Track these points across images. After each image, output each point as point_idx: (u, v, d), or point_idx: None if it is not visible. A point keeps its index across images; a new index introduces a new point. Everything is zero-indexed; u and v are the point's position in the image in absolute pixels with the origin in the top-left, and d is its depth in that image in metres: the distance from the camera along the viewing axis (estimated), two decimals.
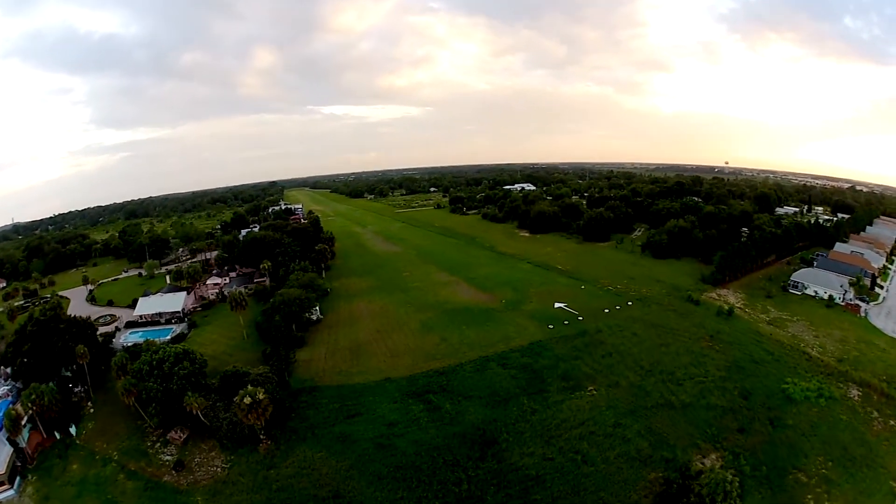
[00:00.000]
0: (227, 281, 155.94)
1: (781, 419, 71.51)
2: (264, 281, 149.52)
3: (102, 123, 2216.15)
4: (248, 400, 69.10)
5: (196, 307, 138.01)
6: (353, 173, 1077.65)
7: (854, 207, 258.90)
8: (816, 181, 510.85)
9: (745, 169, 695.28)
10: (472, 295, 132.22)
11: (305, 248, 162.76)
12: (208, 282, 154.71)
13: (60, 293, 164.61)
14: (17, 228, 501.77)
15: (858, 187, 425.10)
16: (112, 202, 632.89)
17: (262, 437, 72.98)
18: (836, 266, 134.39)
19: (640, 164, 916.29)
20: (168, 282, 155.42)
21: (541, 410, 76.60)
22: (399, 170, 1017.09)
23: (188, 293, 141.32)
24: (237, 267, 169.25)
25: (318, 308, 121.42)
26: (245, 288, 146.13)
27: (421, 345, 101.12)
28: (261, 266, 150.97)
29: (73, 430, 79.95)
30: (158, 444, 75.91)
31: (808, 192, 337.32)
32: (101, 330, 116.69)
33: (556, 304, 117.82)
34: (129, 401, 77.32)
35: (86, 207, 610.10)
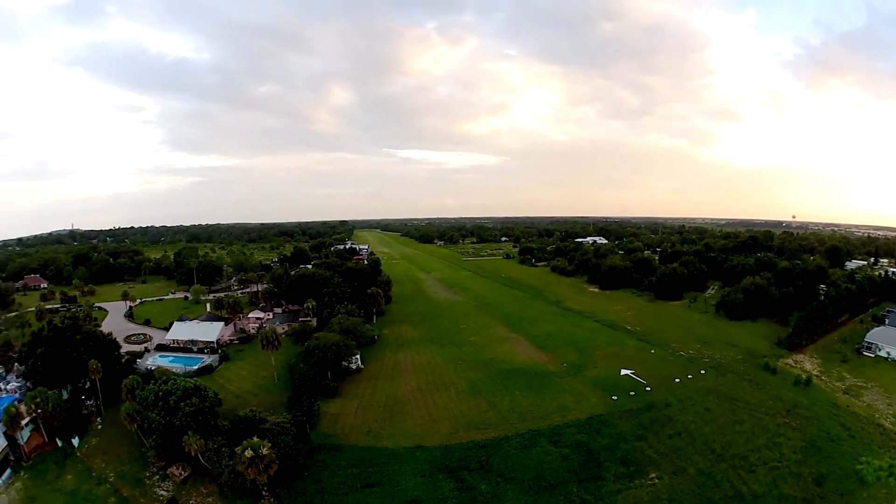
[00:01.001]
0: (271, 316, 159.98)
1: None
2: (310, 321, 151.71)
3: (175, 146, 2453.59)
4: (249, 453, 67.36)
5: (233, 339, 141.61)
6: (426, 218, 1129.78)
7: None
8: (878, 232, 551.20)
9: (811, 223, 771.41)
10: (531, 354, 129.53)
11: (359, 291, 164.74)
12: (250, 315, 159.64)
13: (101, 305, 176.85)
14: (75, 234, 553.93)
15: None
16: (178, 224, 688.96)
17: (264, 492, 70.65)
18: None
19: (711, 219, 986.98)
20: (208, 309, 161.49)
21: (591, 502, 69.89)
22: (473, 218, 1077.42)
23: (227, 324, 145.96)
24: (283, 303, 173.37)
25: (358, 357, 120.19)
26: (288, 326, 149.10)
27: (465, 409, 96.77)
28: (305, 305, 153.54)
29: (75, 441, 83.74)
30: (157, 477, 76.64)
31: (873, 244, 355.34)
32: (129, 348, 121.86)
33: (623, 371, 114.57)
34: (132, 427, 78.62)
35: (149, 225, 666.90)
